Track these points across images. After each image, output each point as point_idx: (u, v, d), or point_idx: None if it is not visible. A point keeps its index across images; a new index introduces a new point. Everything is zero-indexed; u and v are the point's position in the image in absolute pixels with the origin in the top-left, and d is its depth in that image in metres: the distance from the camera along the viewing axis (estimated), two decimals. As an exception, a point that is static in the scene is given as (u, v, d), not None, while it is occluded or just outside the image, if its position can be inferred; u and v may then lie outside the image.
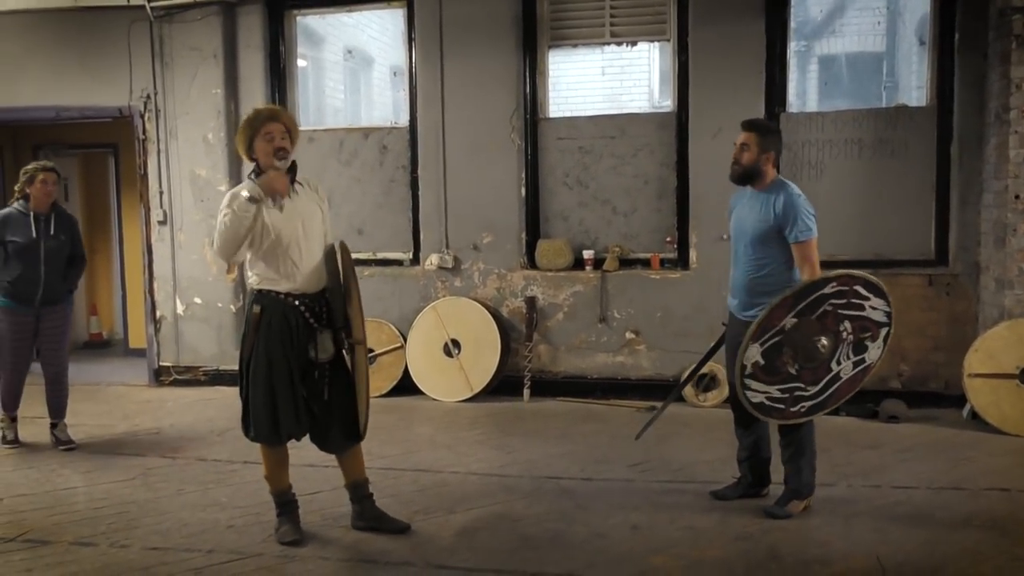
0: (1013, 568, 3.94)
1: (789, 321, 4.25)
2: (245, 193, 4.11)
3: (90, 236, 10.25)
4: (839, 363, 4.39)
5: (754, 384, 4.32)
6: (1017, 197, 6.21)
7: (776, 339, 4.26)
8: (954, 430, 6.18)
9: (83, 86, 7.96)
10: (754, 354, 4.26)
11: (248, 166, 4.42)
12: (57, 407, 6.22)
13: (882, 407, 6.44)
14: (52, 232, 6.06)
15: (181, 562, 4.14)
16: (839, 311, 4.31)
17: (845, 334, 4.35)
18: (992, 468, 5.35)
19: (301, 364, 4.23)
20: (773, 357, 4.29)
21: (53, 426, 6.20)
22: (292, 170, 4.28)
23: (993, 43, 6.39)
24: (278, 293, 4.20)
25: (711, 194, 6.96)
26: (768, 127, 4.77)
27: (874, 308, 4.38)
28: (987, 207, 6.53)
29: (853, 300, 4.32)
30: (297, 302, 4.21)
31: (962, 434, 6.08)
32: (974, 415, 6.25)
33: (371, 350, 4.28)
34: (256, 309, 4.20)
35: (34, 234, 5.98)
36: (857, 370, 4.46)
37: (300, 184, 4.33)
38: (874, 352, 4.47)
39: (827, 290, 4.27)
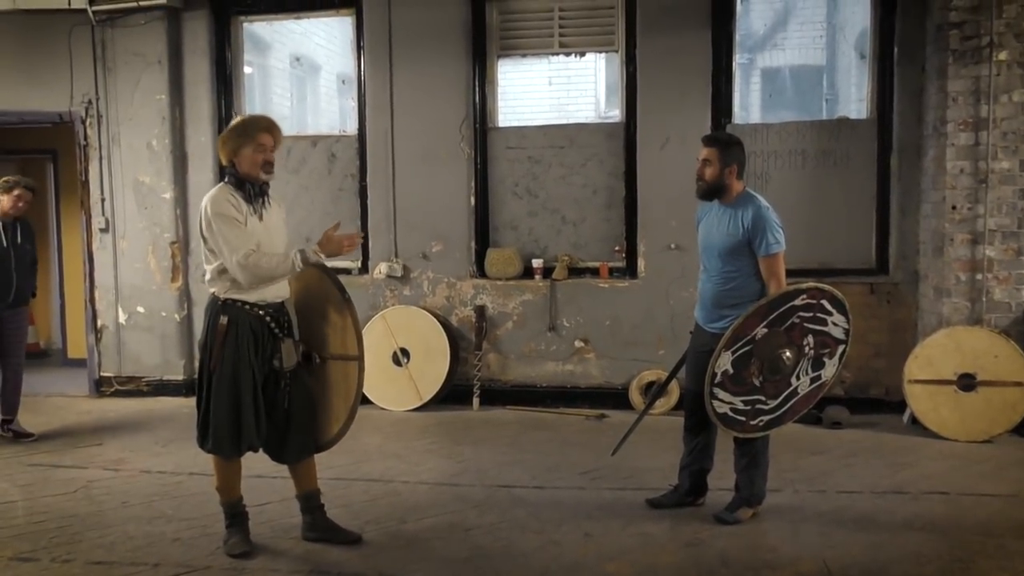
0: (954, 570, 4.04)
1: (760, 331, 4.29)
2: (312, 256, 4.10)
3: (28, 244, 10.04)
4: (798, 378, 4.45)
5: (721, 394, 4.34)
6: (954, 208, 6.38)
7: (747, 348, 4.30)
8: (895, 435, 6.32)
9: (22, 91, 7.78)
10: (725, 362, 4.29)
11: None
12: (15, 404, 6.56)
13: (826, 413, 6.55)
14: (19, 240, 6.48)
15: (127, 576, 4.06)
16: (805, 324, 4.37)
17: (807, 348, 4.41)
18: (931, 472, 5.47)
19: (264, 374, 4.20)
20: (741, 367, 4.32)
21: (8, 422, 6.51)
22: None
23: (931, 57, 6.57)
24: (244, 303, 4.16)
25: (659, 204, 7.07)
26: (729, 140, 4.60)
27: (835, 324, 4.45)
28: (925, 217, 6.69)
29: (819, 314, 4.39)
30: (263, 312, 4.19)
31: (902, 439, 6.22)
32: (914, 420, 6.40)
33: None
34: (223, 320, 4.14)
35: (4, 242, 6.37)
36: (813, 386, 4.52)
37: (269, 196, 4.32)
38: (830, 369, 4.54)
39: (797, 302, 4.32)
